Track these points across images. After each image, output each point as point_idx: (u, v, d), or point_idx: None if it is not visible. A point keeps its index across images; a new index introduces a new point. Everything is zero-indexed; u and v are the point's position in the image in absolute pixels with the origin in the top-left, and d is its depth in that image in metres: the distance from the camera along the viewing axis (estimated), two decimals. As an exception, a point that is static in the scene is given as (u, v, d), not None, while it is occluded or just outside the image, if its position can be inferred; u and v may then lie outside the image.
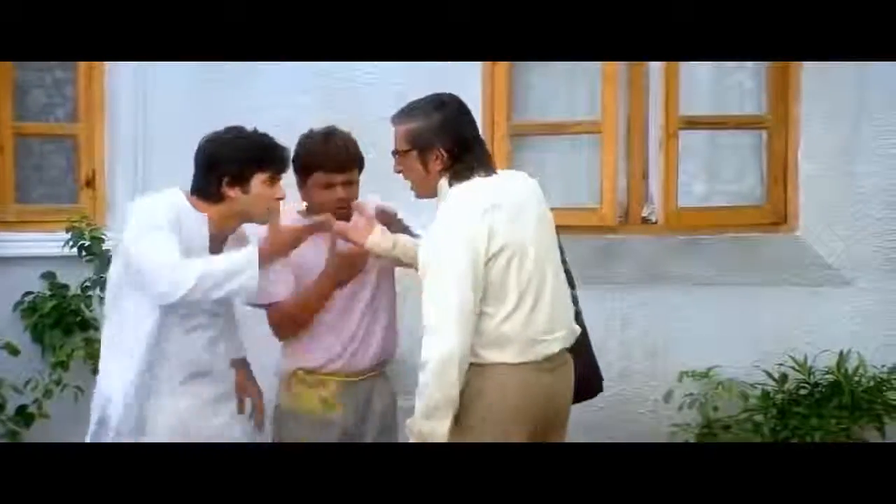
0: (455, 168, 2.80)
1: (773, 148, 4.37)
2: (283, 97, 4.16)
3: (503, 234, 2.71)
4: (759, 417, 4.08)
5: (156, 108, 4.20)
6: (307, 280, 3.06)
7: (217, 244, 2.98)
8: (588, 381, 3.13)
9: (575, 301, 3.09)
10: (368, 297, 3.12)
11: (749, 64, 4.40)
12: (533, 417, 2.79)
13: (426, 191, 2.88)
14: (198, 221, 2.92)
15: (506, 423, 2.74)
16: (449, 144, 2.79)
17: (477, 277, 2.68)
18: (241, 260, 2.82)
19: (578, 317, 3.07)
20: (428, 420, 2.69)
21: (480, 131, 2.99)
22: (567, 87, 4.42)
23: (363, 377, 3.14)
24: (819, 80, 4.19)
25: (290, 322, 3.09)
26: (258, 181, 2.91)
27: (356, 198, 3.08)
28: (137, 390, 2.89)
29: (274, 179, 2.94)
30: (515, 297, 2.74)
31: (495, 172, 2.86)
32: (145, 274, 2.80)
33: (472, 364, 2.73)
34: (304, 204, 3.12)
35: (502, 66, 4.30)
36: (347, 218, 3.01)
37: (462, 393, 2.72)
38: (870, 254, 4.24)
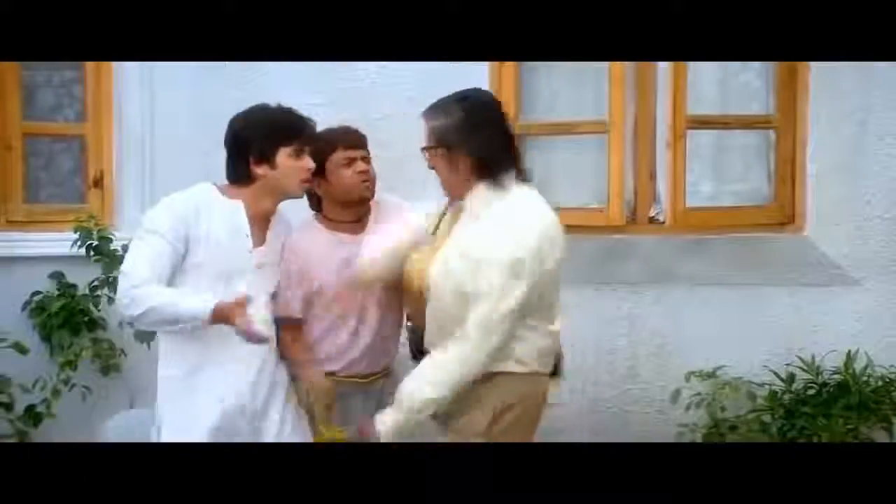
0: (493, 176, 2.70)
1: (780, 148, 4.36)
2: (290, 97, 4.14)
3: (551, 251, 2.70)
4: (766, 417, 4.08)
5: (163, 108, 4.22)
6: (323, 298, 3.10)
7: (260, 226, 2.98)
8: None
9: None
10: (384, 304, 3.16)
11: (756, 64, 4.40)
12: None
13: (454, 191, 2.81)
14: (228, 211, 2.92)
15: (531, 428, 2.84)
16: (474, 148, 2.70)
17: (531, 299, 2.66)
18: (192, 309, 2.77)
19: None
20: (417, 414, 2.73)
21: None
22: (574, 87, 4.42)
23: (375, 377, 3.21)
24: (826, 80, 4.18)
25: (294, 343, 3.14)
26: (283, 155, 2.91)
27: (374, 176, 3.13)
28: (179, 391, 2.94)
29: (299, 152, 2.94)
30: (555, 310, 2.81)
31: (527, 179, 2.79)
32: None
33: (512, 373, 2.73)
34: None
35: (509, 67, 4.30)
36: (372, 194, 3.09)
37: (498, 399, 2.74)
38: (877, 253, 4.23)
